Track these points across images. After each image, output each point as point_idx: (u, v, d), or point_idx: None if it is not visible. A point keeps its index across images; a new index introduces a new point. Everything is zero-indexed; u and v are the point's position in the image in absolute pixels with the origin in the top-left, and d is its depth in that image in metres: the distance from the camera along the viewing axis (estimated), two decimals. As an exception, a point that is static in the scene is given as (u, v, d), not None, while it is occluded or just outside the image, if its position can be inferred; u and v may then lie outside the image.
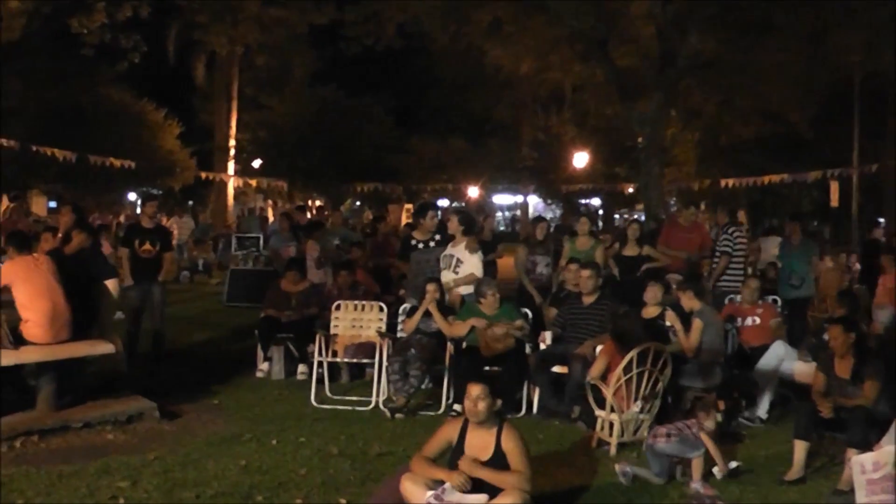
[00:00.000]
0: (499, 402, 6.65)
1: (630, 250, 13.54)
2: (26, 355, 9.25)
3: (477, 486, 6.34)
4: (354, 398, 11.00)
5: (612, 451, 8.85)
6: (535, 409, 10.45)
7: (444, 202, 44.78)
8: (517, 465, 6.39)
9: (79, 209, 12.03)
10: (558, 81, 34.77)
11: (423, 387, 10.74)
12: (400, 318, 11.59)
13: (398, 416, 10.18)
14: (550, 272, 13.29)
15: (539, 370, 10.41)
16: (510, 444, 6.48)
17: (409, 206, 41.42)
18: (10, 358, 9.09)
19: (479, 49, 29.25)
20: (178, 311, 14.09)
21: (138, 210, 49.92)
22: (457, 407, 9.86)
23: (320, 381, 11.18)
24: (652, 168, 20.96)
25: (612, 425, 8.95)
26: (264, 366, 12.38)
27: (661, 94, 20.75)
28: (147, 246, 12.95)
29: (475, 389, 6.56)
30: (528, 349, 10.78)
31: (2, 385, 9.62)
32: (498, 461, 6.45)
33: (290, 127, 42.07)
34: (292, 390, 11.52)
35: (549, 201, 48.01)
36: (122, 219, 34.87)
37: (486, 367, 10.09)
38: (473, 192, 42.88)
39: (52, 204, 48.57)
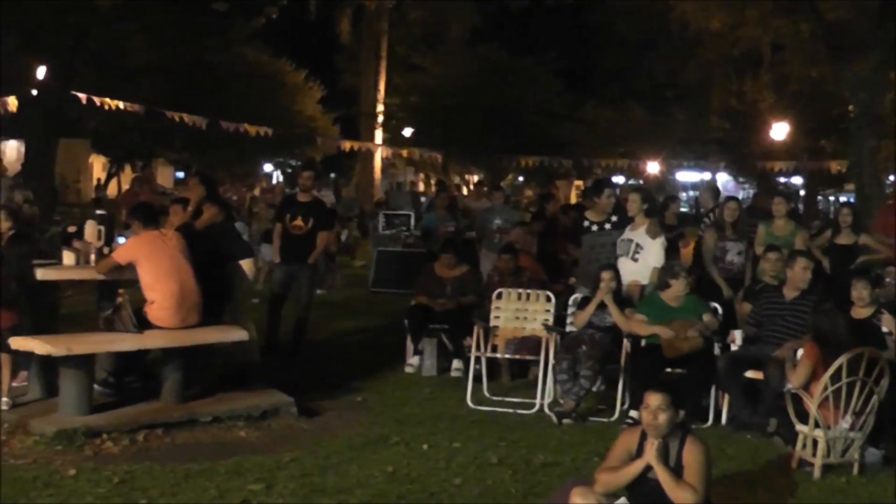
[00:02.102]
0: (681, 412, 6.48)
1: (845, 238, 13.18)
2: (151, 340, 9.44)
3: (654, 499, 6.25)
4: (516, 400, 10.98)
5: (816, 473, 8.61)
6: (723, 420, 10.27)
7: (618, 179, 44.38)
8: (694, 482, 6.22)
9: (209, 180, 12.01)
10: (755, 39, 34.02)
11: (594, 389, 10.67)
12: (570, 310, 11.50)
13: (566, 421, 10.11)
14: (743, 261, 13.01)
15: (729, 374, 10.19)
16: (691, 458, 6.32)
17: (580, 182, 41.32)
18: (133, 343, 9.31)
19: (662, 2, 28.88)
20: (318, 296, 14.28)
21: (274, 182, 51.16)
22: (633, 413, 9.74)
23: (477, 379, 11.19)
24: (865, 141, 20.47)
25: (815, 443, 8.72)
26: (414, 360, 12.42)
27: (880, 52, 20.22)
28: (298, 221, 13.01)
29: (654, 399, 6.37)
30: (716, 349, 10.61)
31: (124, 373, 9.91)
32: (675, 474, 6.31)
33: (446, 91, 42.31)
34: (445, 389, 11.56)
35: (742, 179, 47.11)
36: (256, 192, 35.56)
37: (668, 369, 10.00)
38: (653, 167, 42.31)
39: (179, 174, 49.98)
